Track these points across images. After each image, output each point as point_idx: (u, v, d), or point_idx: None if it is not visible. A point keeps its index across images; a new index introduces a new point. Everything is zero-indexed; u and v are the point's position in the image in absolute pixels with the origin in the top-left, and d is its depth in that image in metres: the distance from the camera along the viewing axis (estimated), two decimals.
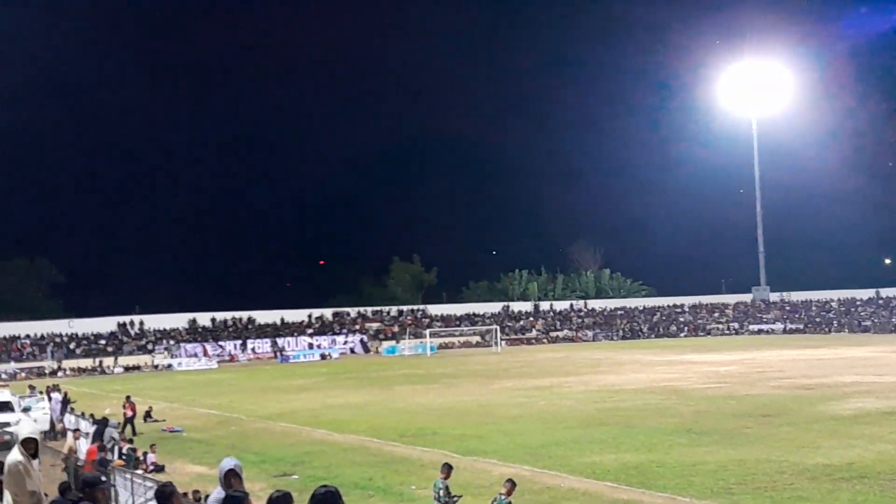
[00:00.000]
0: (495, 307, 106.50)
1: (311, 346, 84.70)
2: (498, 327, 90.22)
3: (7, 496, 8.88)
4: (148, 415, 34.53)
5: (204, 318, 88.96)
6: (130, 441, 24.82)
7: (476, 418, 30.49)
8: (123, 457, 22.57)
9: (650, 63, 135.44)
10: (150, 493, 12.82)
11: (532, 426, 27.80)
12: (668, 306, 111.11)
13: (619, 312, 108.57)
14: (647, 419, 28.37)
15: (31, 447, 9.41)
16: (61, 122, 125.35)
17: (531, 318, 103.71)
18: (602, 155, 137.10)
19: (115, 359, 76.39)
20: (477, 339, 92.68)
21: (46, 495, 9.76)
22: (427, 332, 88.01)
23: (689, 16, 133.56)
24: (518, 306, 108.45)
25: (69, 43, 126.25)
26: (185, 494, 13.16)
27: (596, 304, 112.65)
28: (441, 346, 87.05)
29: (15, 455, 9.05)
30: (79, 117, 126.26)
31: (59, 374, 70.15)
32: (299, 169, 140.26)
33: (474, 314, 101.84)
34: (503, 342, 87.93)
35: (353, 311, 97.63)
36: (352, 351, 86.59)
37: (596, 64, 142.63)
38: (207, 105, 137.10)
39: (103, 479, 9.73)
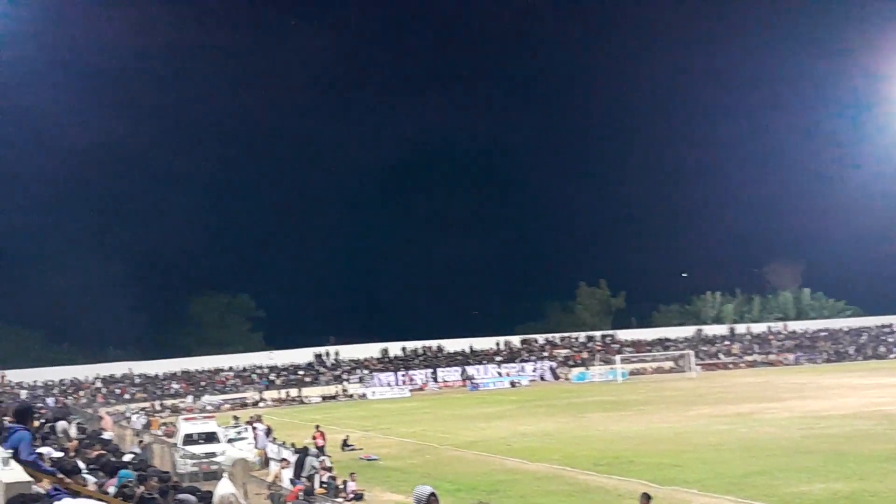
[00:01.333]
0: (688, 331, 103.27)
1: (500, 373, 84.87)
2: (692, 352, 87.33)
3: None
4: (345, 444, 35.33)
5: (395, 348, 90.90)
6: (330, 469, 25.39)
7: (673, 446, 29.40)
8: (324, 485, 23.10)
9: (840, 75, 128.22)
10: None
11: (733, 454, 26.52)
12: (876, 326, 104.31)
13: (822, 334, 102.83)
14: (857, 446, 26.55)
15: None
16: (256, 165, 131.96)
17: (727, 342, 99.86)
18: (798, 164, 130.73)
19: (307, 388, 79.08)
20: (670, 364, 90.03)
21: None
22: (617, 357, 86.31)
23: (874, 26, 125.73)
24: (712, 330, 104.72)
25: (258, 86, 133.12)
26: None
27: (796, 325, 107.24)
28: (632, 373, 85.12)
29: (226, 486, 9.25)
30: (272, 159, 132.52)
31: (261, 404, 73.27)
32: (482, 197, 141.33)
33: (666, 339, 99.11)
34: (697, 367, 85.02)
35: (541, 338, 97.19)
36: (541, 378, 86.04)
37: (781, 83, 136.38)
38: (381, 140, 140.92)
39: None
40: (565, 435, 35.40)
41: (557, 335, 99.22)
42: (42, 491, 6.14)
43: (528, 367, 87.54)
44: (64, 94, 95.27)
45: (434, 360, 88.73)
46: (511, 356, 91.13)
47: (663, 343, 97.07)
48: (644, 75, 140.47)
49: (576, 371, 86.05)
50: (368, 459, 31.70)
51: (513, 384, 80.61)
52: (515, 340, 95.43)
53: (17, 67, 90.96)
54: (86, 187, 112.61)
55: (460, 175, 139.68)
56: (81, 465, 13.26)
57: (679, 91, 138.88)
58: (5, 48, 78.12)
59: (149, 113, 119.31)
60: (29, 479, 6.36)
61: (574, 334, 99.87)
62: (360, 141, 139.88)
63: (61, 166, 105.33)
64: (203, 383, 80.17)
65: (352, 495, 22.69)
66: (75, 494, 5.64)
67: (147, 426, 47.67)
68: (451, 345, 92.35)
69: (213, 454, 25.09)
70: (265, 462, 30.35)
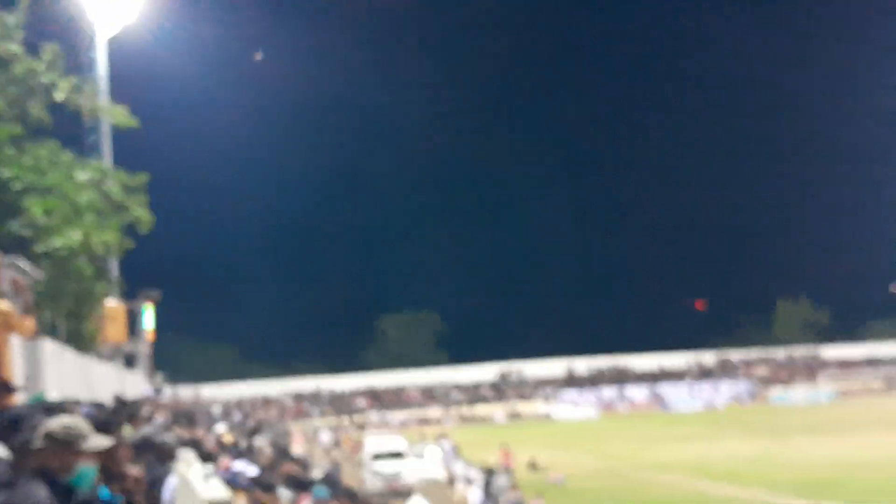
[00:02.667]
0: None
1: (692, 393, 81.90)
2: None
3: None
4: (533, 465, 34.74)
5: (580, 365, 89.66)
6: (517, 490, 24.93)
7: (890, 472, 27.14)
8: None
9: None
10: None
11: None
12: None
13: None
14: None
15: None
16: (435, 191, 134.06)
17: None
18: None
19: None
20: (880, 383, 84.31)
21: None
22: (821, 377, 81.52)
23: None
24: None
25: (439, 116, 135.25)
26: None
27: None
28: (839, 393, 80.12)
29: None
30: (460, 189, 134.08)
31: (445, 421, 73.88)
32: (668, 200, 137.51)
33: (876, 357, 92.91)
34: None
35: (737, 356, 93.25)
36: (737, 399, 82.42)
37: None
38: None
39: None
40: (767, 459, 33.49)
41: (755, 352, 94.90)
42: None
43: (724, 386, 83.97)
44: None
45: (621, 378, 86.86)
46: (704, 374, 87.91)
47: (873, 361, 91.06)
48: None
49: (775, 391, 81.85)
50: (556, 481, 31.02)
51: (708, 405, 77.54)
52: (709, 358, 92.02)
53: None
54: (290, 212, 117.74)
55: (660, 182, 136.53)
56: (274, 481, 13.38)
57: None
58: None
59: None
60: (227, 496, 6.40)
61: (773, 352, 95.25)
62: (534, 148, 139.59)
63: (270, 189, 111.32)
64: (388, 399, 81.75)
65: None
66: None
67: (336, 443, 48.71)
68: (640, 362, 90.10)
69: (401, 472, 25.15)
70: (450, 481, 30.23)
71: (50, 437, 4.13)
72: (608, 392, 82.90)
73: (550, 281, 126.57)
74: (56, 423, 4.27)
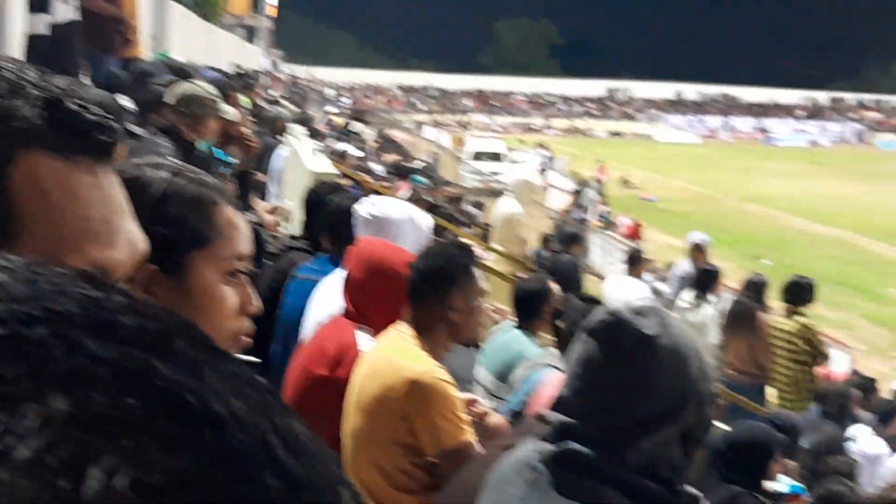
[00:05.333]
0: None
1: (799, 130, 79.94)
2: None
3: (496, 243, 9.44)
4: (625, 182, 35.32)
5: (689, 91, 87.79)
6: (606, 204, 25.71)
7: None
8: (601, 218, 23.53)
9: None
10: (621, 255, 13.15)
11: None
12: None
13: None
14: None
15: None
16: None
17: None
18: None
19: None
20: None
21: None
22: None
23: None
24: None
25: None
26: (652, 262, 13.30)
27: None
28: None
29: (510, 205, 9.48)
30: None
31: (547, 131, 74.23)
32: None
33: None
34: None
35: (852, 98, 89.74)
36: (844, 140, 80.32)
37: None
38: None
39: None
40: (860, 201, 33.37)
41: (871, 96, 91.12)
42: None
43: (833, 126, 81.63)
44: None
45: (729, 108, 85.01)
46: (814, 113, 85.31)
47: None
48: None
49: (885, 137, 79.32)
50: (647, 200, 31.68)
51: (812, 143, 75.86)
52: (822, 97, 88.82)
53: None
54: None
55: None
56: (378, 167, 14.21)
57: None
58: None
59: None
60: (335, 170, 6.76)
61: (891, 98, 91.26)
62: None
63: None
64: (495, 103, 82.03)
65: (624, 230, 22.94)
66: (372, 192, 6.03)
67: (438, 138, 49.66)
68: (750, 94, 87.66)
69: (497, 173, 25.96)
70: (544, 188, 31.09)
71: (182, 98, 4.11)
72: (713, 120, 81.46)
73: (670, 4, 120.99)
74: (188, 86, 4.29)
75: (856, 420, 6.95)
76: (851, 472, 4.90)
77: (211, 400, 0.33)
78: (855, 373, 8.76)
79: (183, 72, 6.37)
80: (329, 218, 3.64)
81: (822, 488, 2.64)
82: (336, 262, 3.33)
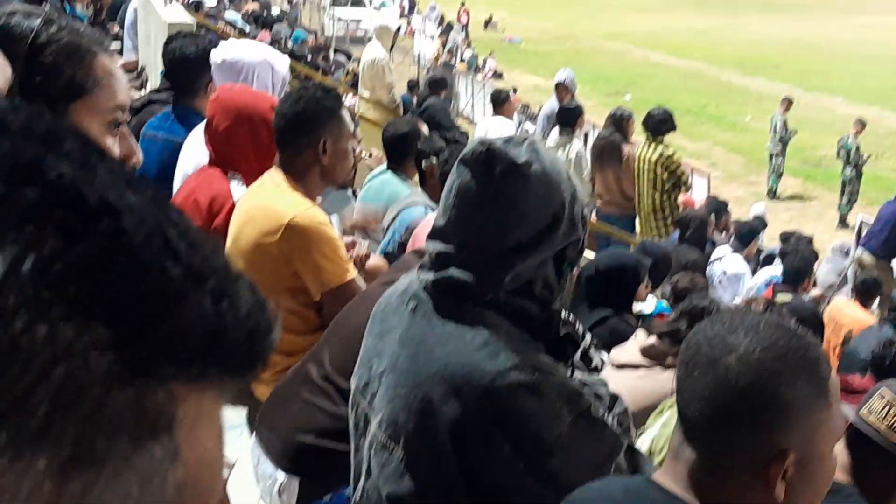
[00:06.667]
0: None
1: None
2: None
3: (363, 90, 9.32)
4: (488, 22, 34.99)
5: None
6: (470, 46, 25.54)
7: (824, 54, 28.09)
8: (465, 62, 23.39)
9: None
10: (486, 97, 13.19)
11: (887, 66, 25.18)
12: None
13: None
14: None
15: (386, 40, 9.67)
16: None
17: None
18: None
19: None
20: None
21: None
22: None
23: None
24: None
25: None
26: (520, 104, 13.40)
27: None
28: None
29: (376, 51, 9.34)
30: None
31: None
32: None
33: None
34: None
35: None
36: None
37: None
38: None
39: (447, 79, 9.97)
40: (715, 34, 34.12)
41: None
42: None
43: None
44: None
45: None
46: None
47: None
48: None
49: None
50: (510, 41, 31.58)
51: None
52: None
53: None
54: None
55: None
56: (235, 16, 13.64)
57: None
58: None
59: None
60: (190, 19, 6.48)
61: None
62: None
63: None
64: None
65: (490, 73, 22.95)
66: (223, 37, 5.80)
67: None
68: None
69: (360, 20, 25.35)
70: (411, 33, 30.58)
71: None
72: None
73: None
74: None
75: (714, 244, 7.36)
76: (707, 289, 5.21)
77: (107, 192, 0.33)
78: (713, 198, 9.16)
79: None
80: (167, 65, 3.49)
81: (687, 303, 2.80)
82: (181, 115, 3.23)
